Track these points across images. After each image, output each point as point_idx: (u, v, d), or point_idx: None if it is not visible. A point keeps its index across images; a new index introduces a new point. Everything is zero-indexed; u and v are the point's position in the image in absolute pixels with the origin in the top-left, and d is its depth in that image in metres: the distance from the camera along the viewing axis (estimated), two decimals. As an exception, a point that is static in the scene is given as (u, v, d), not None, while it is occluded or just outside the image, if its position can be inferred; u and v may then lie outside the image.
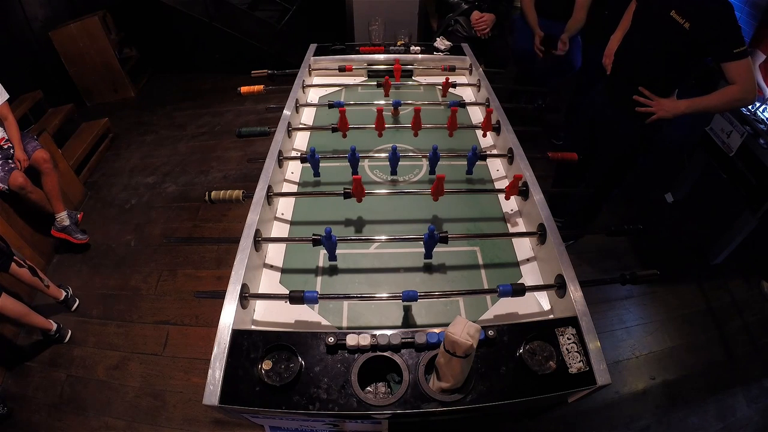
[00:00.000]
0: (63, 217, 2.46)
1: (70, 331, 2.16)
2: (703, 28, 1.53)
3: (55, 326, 2.09)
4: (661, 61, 1.71)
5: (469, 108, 1.91)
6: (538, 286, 1.11)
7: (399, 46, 2.27)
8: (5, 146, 2.27)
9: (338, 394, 0.88)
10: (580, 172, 2.31)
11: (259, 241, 1.18)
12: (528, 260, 1.26)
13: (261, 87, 1.89)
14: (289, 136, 1.63)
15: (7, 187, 2.20)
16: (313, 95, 2.02)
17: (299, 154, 1.53)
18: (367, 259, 1.26)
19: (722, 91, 1.63)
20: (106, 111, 3.69)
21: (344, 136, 1.60)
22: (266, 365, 0.90)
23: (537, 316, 1.11)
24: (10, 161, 2.24)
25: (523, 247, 1.29)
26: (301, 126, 1.78)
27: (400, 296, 1.03)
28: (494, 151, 1.63)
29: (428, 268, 1.23)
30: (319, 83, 2.09)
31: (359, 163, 1.45)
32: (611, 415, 1.86)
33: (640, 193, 2.81)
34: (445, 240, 1.15)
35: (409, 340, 0.93)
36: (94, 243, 2.62)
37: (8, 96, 2.30)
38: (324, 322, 1.09)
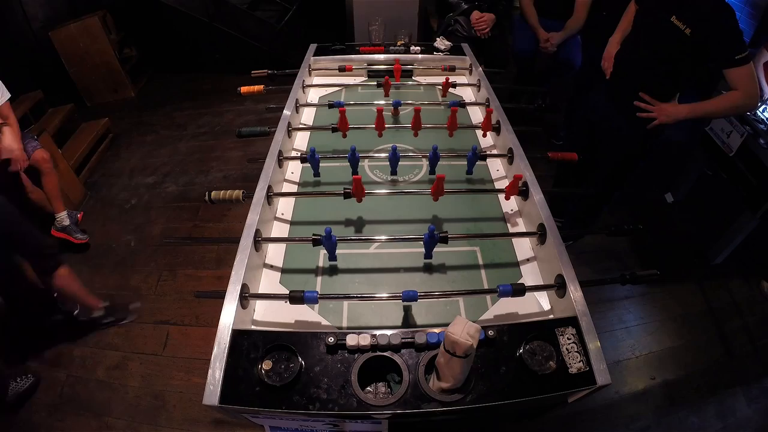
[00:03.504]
0: (63, 217, 2.46)
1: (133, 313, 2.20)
2: (704, 34, 1.52)
3: (102, 305, 2.11)
4: (663, 66, 1.71)
5: (469, 108, 1.91)
6: (538, 286, 1.11)
7: (399, 46, 2.27)
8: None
9: (338, 394, 0.88)
10: (580, 173, 2.31)
11: (259, 241, 1.18)
12: (528, 260, 1.26)
13: (261, 87, 1.89)
14: (289, 136, 1.63)
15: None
16: (313, 95, 2.02)
17: (299, 154, 1.53)
18: (367, 259, 1.26)
19: (724, 97, 1.63)
20: (106, 111, 3.69)
21: (344, 136, 1.59)
22: (266, 365, 0.90)
23: (537, 316, 1.11)
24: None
25: (523, 247, 1.29)
26: (301, 126, 1.78)
27: (400, 296, 1.02)
28: (494, 151, 1.63)
29: (428, 268, 1.23)
30: (319, 83, 2.09)
31: (359, 163, 1.45)
32: (611, 415, 1.86)
33: (640, 193, 2.81)
34: (445, 240, 1.15)
35: (409, 340, 0.93)
36: (94, 243, 2.62)
37: (10, 95, 2.30)
38: (324, 322, 1.09)
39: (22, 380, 1.87)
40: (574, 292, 1.03)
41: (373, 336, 0.93)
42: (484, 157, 1.50)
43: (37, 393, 1.94)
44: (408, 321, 1.11)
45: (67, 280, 1.95)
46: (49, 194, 2.41)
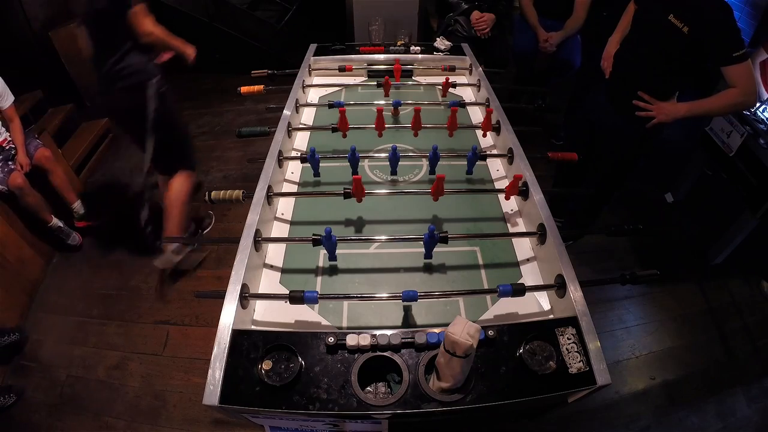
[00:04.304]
0: (78, 206, 2.57)
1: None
2: (702, 32, 1.53)
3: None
4: (661, 65, 1.71)
5: (469, 108, 1.91)
6: (538, 286, 1.11)
7: (399, 46, 2.27)
8: (6, 147, 2.27)
9: (338, 394, 0.88)
10: (580, 173, 2.31)
11: (259, 241, 1.18)
12: (528, 260, 1.26)
13: (261, 87, 1.89)
14: (289, 136, 1.63)
15: (6, 188, 2.20)
16: (313, 95, 2.02)
17: (299, 154, 1.53)
18: (367, 259, 1.26)
19: (723, 95, 1.63)
20: (106, 111, 3.69)
21: (344, 136, 1.59)
22: (266, 365, 0.90)
23: (537, 316, 1.11)
24: (10, 162, 2.25)
25: (523, 247, 1.29)
26: (301, 126, 1.78)
27: (400, 296, 1.02)
28: (494, 151, 1.63)
29: (428, 268, 1.23)
30: (319, 83, 2.09)
31: (359, 163, 1.45)
32: (611, 415, 1.86)
33: (640, 193, 2.81)
34: (445, 240, 1.15)
35: (409, 340, 0.93)
36: (94, 243, 2.62)
37: (14, 98, 2.31)
38: (324, 322, 1.09)
39: (5, 398, 1.87)
40: (574, 292, 1.03)
41: (373, 336, 0.93)
42: (484, 157, 1.50)
43: (37, 393, 1.94)
44: (408, 321, 1.11)
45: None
46: (60, 188, 2.48)
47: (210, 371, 0.90)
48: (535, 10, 2.64)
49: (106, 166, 3.27)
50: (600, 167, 2.16)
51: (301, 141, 1.74)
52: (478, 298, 1.15)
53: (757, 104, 2.15)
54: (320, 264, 1.24)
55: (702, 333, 2.17)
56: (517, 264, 1.25)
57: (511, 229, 1.36)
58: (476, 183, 1.53)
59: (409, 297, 1.02)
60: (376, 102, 1.82)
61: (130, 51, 1.83)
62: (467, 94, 2.05)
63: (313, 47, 2.22)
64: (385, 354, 0.93)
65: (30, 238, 2.41)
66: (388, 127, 1.61)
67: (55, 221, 2.46)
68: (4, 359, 2.03)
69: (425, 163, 1.56)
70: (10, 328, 2.07)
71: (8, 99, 2.26)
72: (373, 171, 1.58)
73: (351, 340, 0.92)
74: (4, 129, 2.29)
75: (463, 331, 0.82)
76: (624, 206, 2.72)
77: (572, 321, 0.99)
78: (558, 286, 1.07)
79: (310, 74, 2.11)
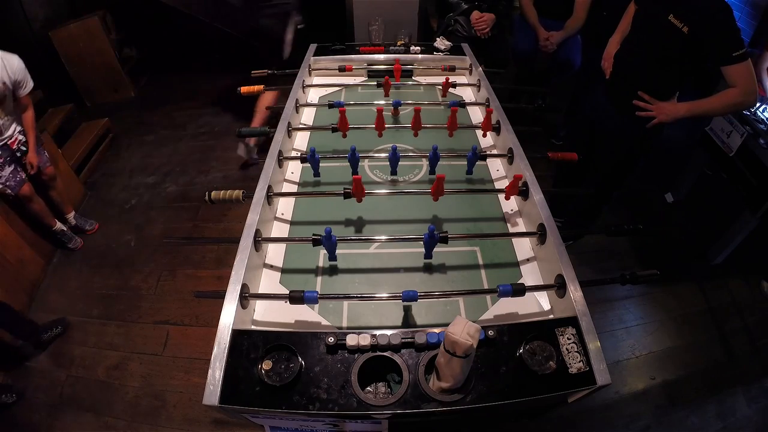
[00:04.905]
0: (71, 218, 2.64)
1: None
2: (702, 31, 1.53)
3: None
4: (661, 65, 1.71)
5: (469, 108, 1.91)
6: (538, 286, 1.11)
7: (399, 46, 2.27)
8: (15, 147, 2.20)
9: (338, 394, 0.88)
10: (580, 173, 2.31)
11: (259, 241, 1.18)
12: (528, 260, 1.26)
13: (261, 87, 1.89)
14: (289, 136, 1.63)
15: (15, 194, 2.20)
16: (313, 95, 2.02)
17: (299, 154, 1.53)
18: (367, 259, 1.26)
19: (723, 94, 1.62)
20: (106, 111, 3.69)
21: (344, 136, 1.59)
22: (266, 365, 0.90)
23: (537, 316, 1.11)
24: (20, 170, 2.22)
25: (523, 247, 1.29)
26: (301, 126, 1.78)
27: (400, 296, 1.02)
28: (494, 151, 1.63)
29: (428, 268, 1.23)
30: (319, 83, 2.09)
31: (359, 163, 1.45)
32: (611, 415, 1.86)
33: (640, 193, 2.81)
34: (445, 240, 1.15)
35: (409, 340, 0.93)
36: (94, 243, 2.63)
37: (33, 85, 2.18)
38: (324, 322, 1.09)
39: (6, 396, 1.87)
40: (574, 292, 1.03)
41: (373, 336, 0.93)
42: (484, 157, 1.50)
43: (38, 393, 1.94)
44: (408, 321, 1.11)
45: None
46: (58, 201, 2.53)
47: (210, 371, 0.90)
48: (535, 10, 2.64)
49: (106, 166, 3.27)
50: (600, 167, 2.16)
51: (301, 141, 1.74)
52: (478, 298, 1.15)
53: (757, 104, 2.15)
54: (320, 264, 1.24)
55: (702, 333, 2.17)
56: (517, 264, 1.25)
57: (511, 229, 1.36)
58: (476, 183, 1.53)
59: (409, 297, 1.02)
60: (376, 102, 1.82)
61: None
62: (467, 94, 2.05)
63: (313, 47, 2.22)
64: (385, 354, 0.93)
65: (30, 239, 2.41)
66: (388, 127, 1.61)
67: (59, 225, 2.49)
68: (43, 347, 2.10)
69: (425, 163, 1.56)
70: (54, 321, 2.14)
71: (28, 86, 2.13)
72: (373, 171, 1.58)
73: (351, 340, 0.92)
74: (15, 126, 2.18)
75: (463, 331, 0.82)
76: (624, 206, 2.72)
77: (572, 321, 0.99)
78: (558, 286, 1.07)
79: (310, 74, 2.11)
